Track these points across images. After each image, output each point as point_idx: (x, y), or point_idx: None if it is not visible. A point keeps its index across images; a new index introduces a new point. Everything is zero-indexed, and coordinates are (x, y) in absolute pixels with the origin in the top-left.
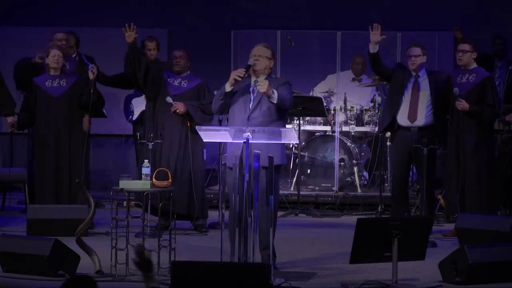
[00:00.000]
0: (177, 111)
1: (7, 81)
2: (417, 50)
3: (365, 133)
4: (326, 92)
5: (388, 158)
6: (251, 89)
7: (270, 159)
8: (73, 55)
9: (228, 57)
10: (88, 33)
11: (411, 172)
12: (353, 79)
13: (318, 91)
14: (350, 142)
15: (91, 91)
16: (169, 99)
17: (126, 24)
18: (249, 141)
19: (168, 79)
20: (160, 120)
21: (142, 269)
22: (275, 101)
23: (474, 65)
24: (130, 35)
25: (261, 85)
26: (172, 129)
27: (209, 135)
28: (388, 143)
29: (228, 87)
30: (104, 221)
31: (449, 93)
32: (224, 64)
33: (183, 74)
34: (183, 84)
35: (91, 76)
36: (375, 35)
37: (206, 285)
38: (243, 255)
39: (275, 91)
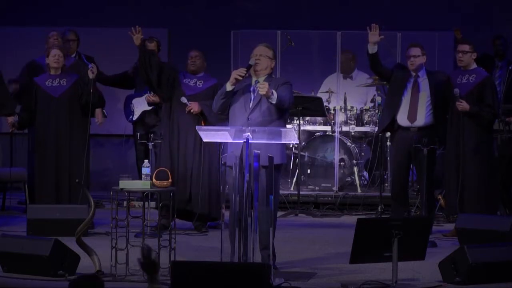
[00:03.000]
0: (192, 111)
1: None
2: (416, 50)
3: (365, 133)
4: (326, 92)
5: (388, 158)
6: (251, 89)
7: (270, 159)
8: (73, 55)
9: (228, 57)
10: (88, 33)
11: (411, 172)
12: (345, 77)
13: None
14: (350, 142)
15: (91, 91)
16: (183, 99)
17: (132, 28)
18: (249, 141)
19: (184, 80)
20: (175, 120)
21: (148, 271)
22: (274, 102)
23: (474, 65)
24: (137, 38)
25: (261, 87)
26: (187, 129)
27: (209, 135)
28: (388, 143)
29: (229, 87)
30: (104, 221)
31: (448, 93)
32: (224, 64)
33: (199, 74)
34: (199, 84)
35: (90, 75)
36: (374, 36)
37: (206, 285)
38: (243, 255)
39: (274, 92)
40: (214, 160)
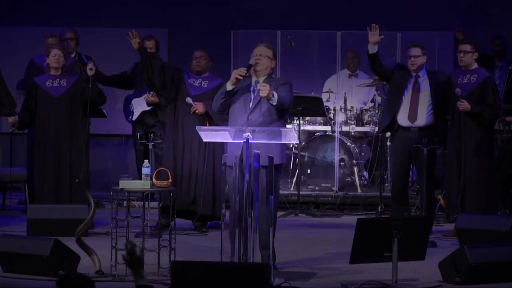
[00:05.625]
0: (197, 111)
1: (8, 80)
2: (416, 51)
3: (365, 133)
4: (326, 92)
5: (388, 158)
6: (251, 89)
7: (270, 159)
8: (72, 55)
9: (228, 57)
10: (87, 33)
11: (411, 172)
12: (349, 76)
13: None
14: (350, 142)
15: (90, 86)
16: (188, 100)
17: (129, 32)
18: (249, 141)
19: (189, 80)
20: (180, 121)
21: (132, 266)
22: (274, 103)
23: (475, 65)
24: (135, 42)
25: (262, 90)
26: (192, 130)
27: (209, 135)
28: (388, 143)
29: (229, 86)
30: (104, 221)
31: (449, 93)
32: (224, 64)
33: (204, 74)
34: (204, 85)
35: (89, 72)
36: (374, 36)
37: (206, 285)
38: (243, 255)
39: (275, 94)
40: (219, 161)
